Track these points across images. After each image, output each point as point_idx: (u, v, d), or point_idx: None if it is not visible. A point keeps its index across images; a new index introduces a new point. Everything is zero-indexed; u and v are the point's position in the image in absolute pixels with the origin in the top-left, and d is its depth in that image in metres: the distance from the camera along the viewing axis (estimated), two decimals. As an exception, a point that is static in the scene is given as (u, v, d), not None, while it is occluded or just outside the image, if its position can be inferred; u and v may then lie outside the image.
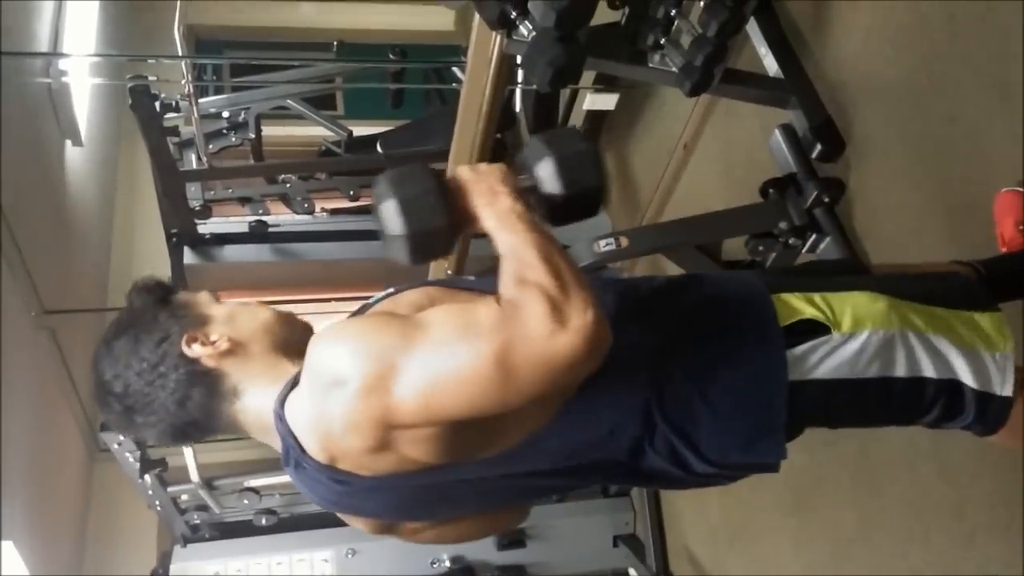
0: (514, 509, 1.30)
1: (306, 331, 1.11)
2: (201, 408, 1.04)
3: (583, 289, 0.88)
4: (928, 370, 1.09)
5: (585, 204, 1.04)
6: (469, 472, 1.01)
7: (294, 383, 1.00)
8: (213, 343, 1.04)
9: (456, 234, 0.99)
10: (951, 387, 1.10)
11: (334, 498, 1.04)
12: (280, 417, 0.99)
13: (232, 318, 1.08)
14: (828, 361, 1.07)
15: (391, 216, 0.96)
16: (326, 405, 0.92)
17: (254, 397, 1.04)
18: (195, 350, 1.03)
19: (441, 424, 0.92)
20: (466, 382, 0.87)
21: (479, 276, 1.20)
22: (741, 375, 1.06)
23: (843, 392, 1.08)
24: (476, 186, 0.98)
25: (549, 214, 1.02)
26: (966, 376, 1.09)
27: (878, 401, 1.10)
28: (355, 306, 1.14)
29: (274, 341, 1.07)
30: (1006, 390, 1.10)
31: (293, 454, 0.99)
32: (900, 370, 1.08)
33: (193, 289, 1.15)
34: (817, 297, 1.11)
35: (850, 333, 1.07)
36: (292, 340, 1.08)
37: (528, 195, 1.00)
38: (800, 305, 1.10)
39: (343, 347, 0.92)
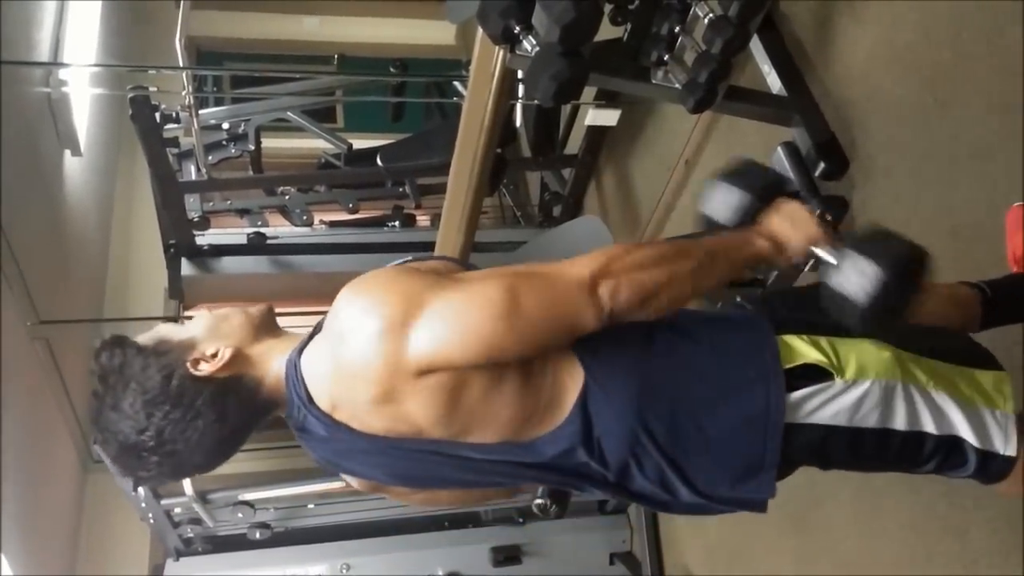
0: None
1: (270, 311, 1.15)
2: (239, 414, 1.05)
3: (635, 290, 0.96)
4: (928, 425, 1.09)
5: (844, 315, 1.08)
6: (461, 451, 1.03)
7: (312, 336, 1.05)
8: (215, 356, 1.05)
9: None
10: (951, 442, 1.10)
11: (332, 456, 1.08)
12: (294, 364, 1.02)
13: (213, 330, 1.08)
14: (828, 407, 1.08)
15: (710, 193, 1.18)
16: (345, 347, 0.95)
17: (272, 371, 1.06)
18: (204, 369, 1.04)
19: (447, 374, 0.94)
20: (478, 318, 0.93)
21: None
22: (738, 413, 1.07)
23: (840, 439, 1.08)
24: (779, 218, 1.12)
25: (823, 290, 1.10)
26: (966, 433, 1.10)
27: (875, 451, 1.10)
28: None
29: (257, 330, 1.10)
30: (1009, 450, 1.11)
31: (298, 401, 1.02)
32: (899, 423, 1.09)
33: (165, 319, 1.16)
34: (823, 341, 1.11)
35: (852, 381, 1.08)
36: (266, 324, 1.12)
37: (808, 262, 1.12)
38: (805, 349, 1.11)
39: (372, 291, 0.97)
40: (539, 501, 2.54)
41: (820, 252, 1.09)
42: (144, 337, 1.08)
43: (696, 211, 1.21)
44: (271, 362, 1.07)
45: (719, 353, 1.11)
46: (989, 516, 1.86)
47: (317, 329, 1.05)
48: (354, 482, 1.16)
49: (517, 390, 1.00)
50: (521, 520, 3.44)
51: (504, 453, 1.03)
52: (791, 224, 1.10)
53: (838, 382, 1.07)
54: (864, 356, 1.09)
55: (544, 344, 0.99)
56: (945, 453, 1.10)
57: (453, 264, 1.17)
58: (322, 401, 1.00)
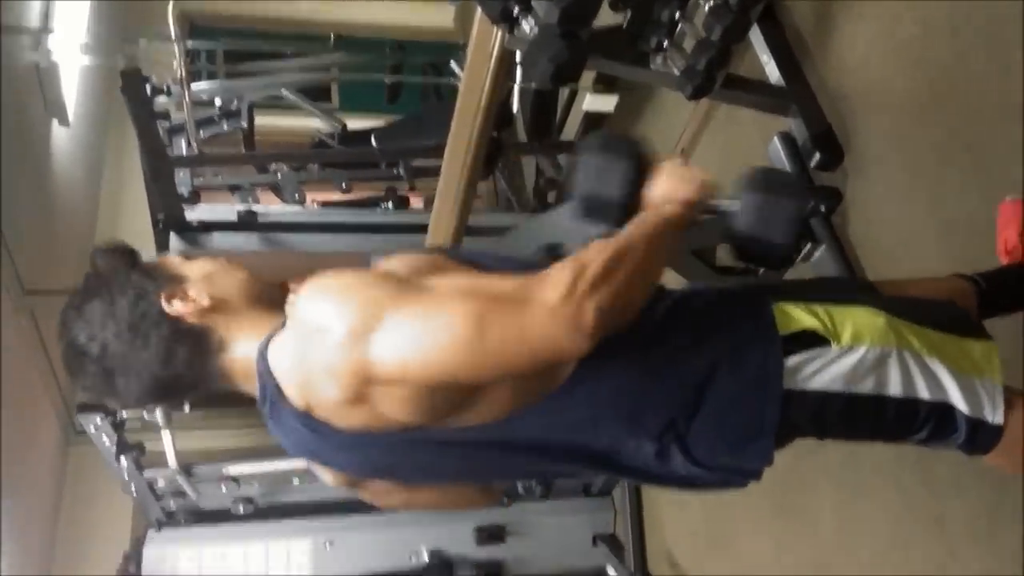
0: (487, 488, 1.31)
1: (282, 288, 1.12)
2: (187, 364, 1.04)
3: (614, 296, 0.89)
4: (922, 391, 1.10)
5: (762, 254, 1.08)
6: (442, 437, 1.01)
7: (281, 328, 1.01)
8: (193, 300, 1.04)
9: (628, 212, 1.06)
10: (943, 410, 1.11)
11: (306, 447, 1.05)
12: (263, 356, 1.00)
13: (209, 276, 1.08)
14: (824, 373, 1.08)
15: (582, 171, 1.06)
16: (308, 350, 0.93)
17: (242, 346, 1.05)
18: (176, 307, 1.03)
19: (418, 385, 0.92)
20: (443, 343, 0.88)
21: (500, 257, 1.21)
22: (738, 378, 1.07)
23: (836, 405, 1.09)
24: (666, 182, 1.06)
25: (729, 239, 1.08)
26: (958, 400, 1.10)
27: (870, 417, 1.11)
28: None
29: (253, 297, 1.08)
30: (997, 418, 1.11)
31: (270, 395, 1.00)
32: (894, 389, 1.09)
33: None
34: (819, 308, 1.12)
35: (848, 346, 1.08)
36: (269, 296, 1.10)
37: (711, 213, 1.07)
38: (801, 316, 1.11)
39: (334, 296, 0.94)
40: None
41: (718, 202, 1.08)
42: (148, 257, 1.09)
43: (577, 193, 1.10)
44: (244, 336, 1.04)
45: (716, 318, 1.11)
46: (968, 503, 1.90)
47: (282, 327, 1.02)
48: (327, 476, 1.14)
49: (502, 383, 0.98)
50: (506, 500, 3.46)
51: (488, 432, 1.01)
52: (681, 181, 1.08)
53: (834, 348, 1.08)
54: (860, 323, 1.10)
55: (511, 374, 0.94)
56: (937, 421, 1.11)
57: (440, 257, 1.10)
58: (295, 399, 0.97)
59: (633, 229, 1.00)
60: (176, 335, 1.03)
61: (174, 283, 1.05)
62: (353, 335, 0.89)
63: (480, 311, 0.88)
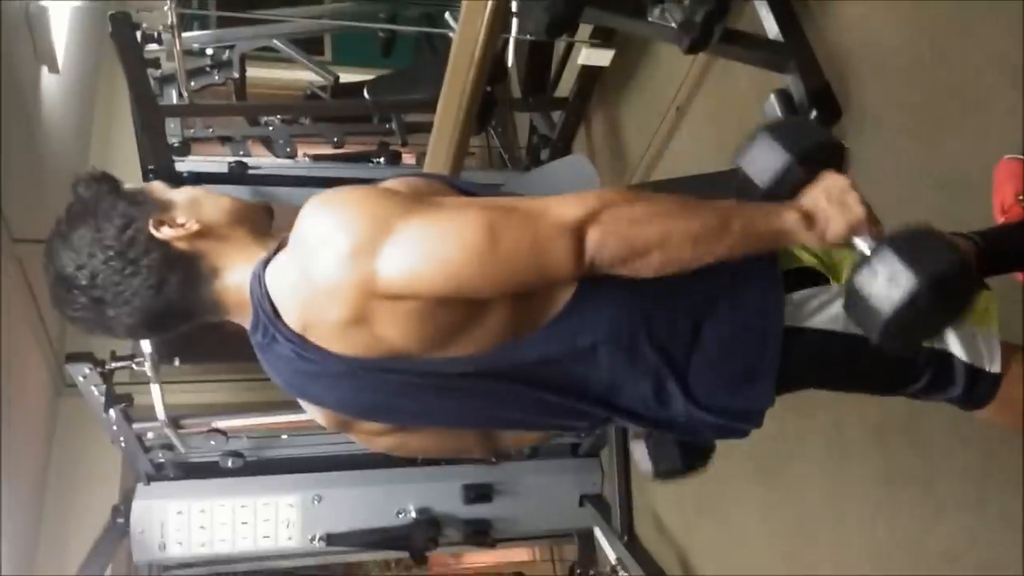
0: (484, 434, 1.27)
1: (267, 213, 1.11)
2: (179, 292, 1.01)
3: (625, 244, 0.89)
4: None
5: (860, 317, 0.97)
6: (437, 369, 0.99)
7: (279, 249, 0.99)
8: (182, 225, 1.01)
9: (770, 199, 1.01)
10: (942, 358, 1.09)
11: (297, 380, 1.03)
12: (259, 279, 0.98)
13: (195, 201, 1.05)
14: (825, 311, 1.06)
15: (752, 143, 1.02)
16: (311, 266, 0.91)
17: (234, 274, 1.02)
18: (165, 233, 1.00)
19: (424, 300, 0.91)
20: (455, 250, 0.88)
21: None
22: (738, 312, 1.05)
23: (836, 346, 1.07)
24: (818, 192, 0.97)
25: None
26: (957, 349, 1.09)
27: (870, 362, 1.08)
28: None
29: (240, 221, 1.06)
30: (995, 367, 1.10)
31: (263, 320, 0.98)
32: None
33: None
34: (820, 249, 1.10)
35: None
36: (256, 222, 1.08)
37: (846, 248, 1.00)
38: (801, 253, 1.09)
39: (337, 211, 0.92)
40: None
41: (857, 240, 0.97)
42: (131, 184, 1.06)
43: (736, 161, 1.06)
44: (234, 263, 1.02)
45: None
46: (955, 468, 1.89)
47: (282, 245, 1.00)
48: (319, 416, 1.12)
49: (501, 305, 0.96)
50: (494, 459, 3.47)
51: (484, 363, 0.99)
52: (832, 201, 0.96)
53: (835, 286, 1.06)
54: None
55: (513, 287, 0.93)
56: (935, 369, 1.09)
57: (439, 183, 1.11)
58: (291, 320, 0.96)
59: (720, 203, 0.93)
60: (166, 262, 1.00)
61: (161, 209, 1.03)
62: (359, 248, 0.88)
63: (493, 219, 0.89)
